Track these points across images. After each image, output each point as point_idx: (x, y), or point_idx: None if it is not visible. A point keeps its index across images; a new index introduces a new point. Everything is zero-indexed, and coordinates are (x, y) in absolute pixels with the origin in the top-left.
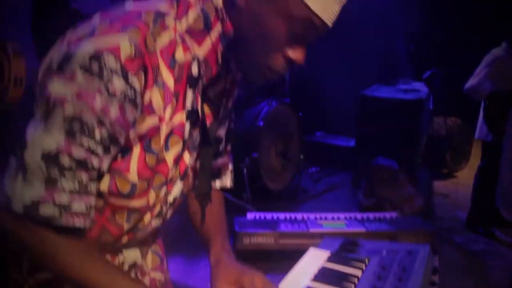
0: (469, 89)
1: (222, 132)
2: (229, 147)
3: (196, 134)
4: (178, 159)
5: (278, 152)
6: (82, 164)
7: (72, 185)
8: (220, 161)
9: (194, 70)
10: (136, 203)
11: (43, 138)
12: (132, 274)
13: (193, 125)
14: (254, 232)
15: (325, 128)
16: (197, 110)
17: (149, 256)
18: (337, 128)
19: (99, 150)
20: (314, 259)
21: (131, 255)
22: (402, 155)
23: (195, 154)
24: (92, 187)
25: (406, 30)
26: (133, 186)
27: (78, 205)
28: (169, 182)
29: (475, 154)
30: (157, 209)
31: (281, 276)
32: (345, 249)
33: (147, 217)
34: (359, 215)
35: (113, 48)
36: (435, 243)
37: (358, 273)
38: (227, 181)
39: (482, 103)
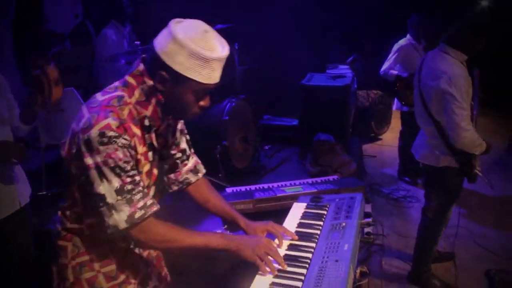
0: (383, 73)
1: (183, 145)
2: (192, 150)
3: (157, 156)
4: (149, 173)
5: (241, 138)
6: (134, 183)
7: (139, 195)
8: (192, 162)
9: (146, 122)
10: None
11: (109, 185)
12: (136, 250)
13: (154, 152)
14: (237, 201)
15: (270, 112)
16: (153, 143)
17: None
18: (280, 110)
19: (134, 172)
20: (297, 208)
21: None
22: (336, 130)
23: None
24: (146, 189)
25: (329, 23)
26: None
27: (148, 201)
28: (147, 188)
29: (395, 118)
30: None
31: None
32: (314, 201)
33: None
34: (310, 180)
35: (107, 125)
36: (367, 195)
37: (324, 212)
38: (202, 170)
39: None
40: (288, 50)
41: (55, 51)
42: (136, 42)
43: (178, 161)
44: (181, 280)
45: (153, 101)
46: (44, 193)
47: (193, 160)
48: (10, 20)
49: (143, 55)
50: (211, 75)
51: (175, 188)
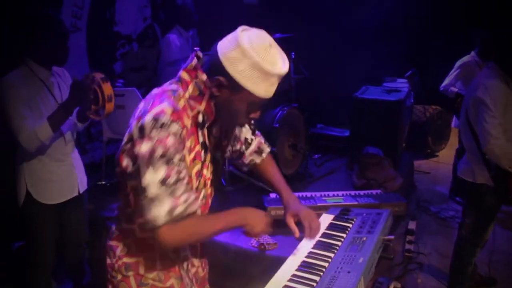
0: (443, 89)
1: (244, 135)
2: (257, 131)
3: (208, 156)
4: (199, 174)
5: (290, 145)
6: (179, 177)
7: (182, 189)
8: (254, 143)
9: (200, 118)
10: None
11: (154, 175)
12: (184, 265)
13: (205, 152)
14: (278, 206)
15: (323, 121)
16: (205, 142)
17: None
18: (333, 121)
19: (182, 165)
20: (325, 219)
21: None
22: (386, 144)
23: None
24: (190, 185)
25: (389, 37)
26: None
27: (191, 197)
28: (196, 190)
29: (454, 136)
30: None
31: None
32: (342, 213)
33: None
34: (352, 192)
35: (161, 111)
36: (414, 212)
37: (349, 225)
38: (267, 149)
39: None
40: (345, 61)
41: (122, 52)
42: (195, 48)
43: (242, 150)
44: None
45: (207, 95)
46: (103, 183)
47: (256, 141)
48: (84, 22)
49: (197, 51)
50: (268, 90)
51: (245, 169)
